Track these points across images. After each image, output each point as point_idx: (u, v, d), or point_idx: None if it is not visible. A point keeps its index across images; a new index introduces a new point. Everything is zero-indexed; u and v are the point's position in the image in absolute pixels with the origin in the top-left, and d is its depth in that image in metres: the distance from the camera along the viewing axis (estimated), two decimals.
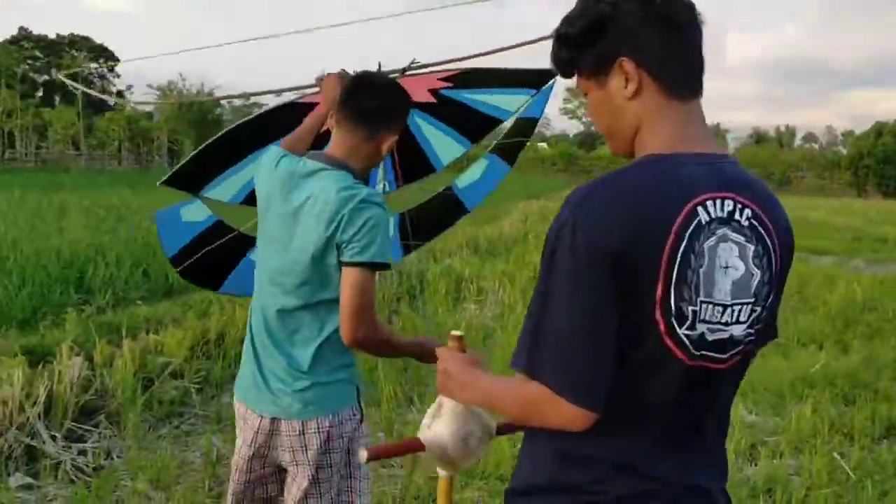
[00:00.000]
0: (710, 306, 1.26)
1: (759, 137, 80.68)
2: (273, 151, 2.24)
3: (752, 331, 1.32)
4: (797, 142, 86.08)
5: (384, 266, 2.05)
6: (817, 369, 5.88)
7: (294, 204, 2.09)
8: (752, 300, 1.30)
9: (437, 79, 3.03)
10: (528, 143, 3.70)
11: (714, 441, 1.39)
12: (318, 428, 2.09)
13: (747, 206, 1.29)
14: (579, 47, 1.36)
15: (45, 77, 47.37)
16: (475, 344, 6.46)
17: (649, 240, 1.22)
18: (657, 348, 1.25)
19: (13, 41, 45.94)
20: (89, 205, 14.70)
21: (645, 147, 1.33)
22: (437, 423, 1.66)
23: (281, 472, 2.20)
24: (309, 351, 2.10)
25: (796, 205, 27.55)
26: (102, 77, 56.12)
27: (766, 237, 1.31)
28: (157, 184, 3.17)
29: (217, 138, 3.04)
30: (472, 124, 3.12)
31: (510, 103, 3.12)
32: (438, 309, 7.76)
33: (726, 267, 1.27)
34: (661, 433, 1.31)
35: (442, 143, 3.14)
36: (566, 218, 1.23)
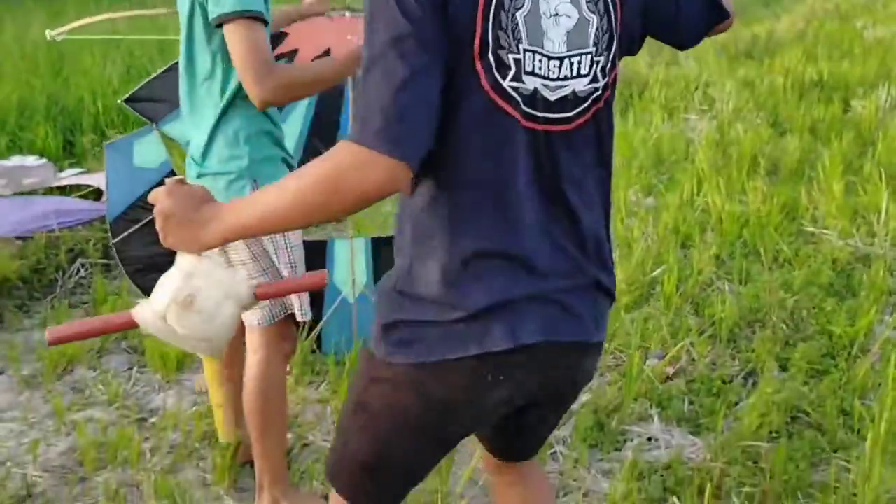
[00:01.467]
0: (541, 57, 1.17)
1: None
2: None
3: (596, 85, 1.24)
4: None
5: (256, 15, 1.85)
6: None
7: None
8: (593, 50, 1.22)
9: None
10: None
11: (585, 222, 1.26)
12: None
13: None
14: None
15: None
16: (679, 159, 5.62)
17: None
18: (486, 107, 1.15)
19: None
20: None
21: None
22: (155, 290, 1.27)
23: None
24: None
25: None
26: None
27: None
28: (119, 101, 2.90)
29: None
30: None
31: None
32: (653, 119, 6.83)
33: (556, 14, 1.17)
34: (515, 214, 1.19)
35: None
36: None
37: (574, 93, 1.21)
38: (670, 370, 3.03)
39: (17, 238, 4.03)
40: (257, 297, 1.33)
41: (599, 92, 1.25)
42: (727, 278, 3.83)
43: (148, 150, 2.92)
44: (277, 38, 2.82)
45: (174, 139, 2.85)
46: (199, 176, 2.08)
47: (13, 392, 3.09)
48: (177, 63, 2.39)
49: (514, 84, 1.16)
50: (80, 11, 13.53)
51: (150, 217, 2.89)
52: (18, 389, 3.10)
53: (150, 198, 1.26)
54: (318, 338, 3.17)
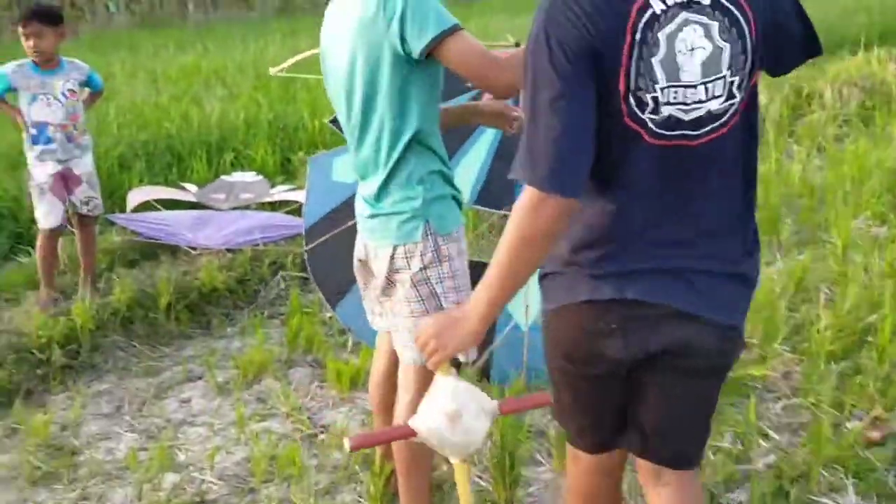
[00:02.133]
0: (677, 89, 1.36)
1: None
2: None
3: (732, 101, 1.40)
4: None
5: (459, 27, 1.92)
6: None
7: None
8: (727, 73, 1.38)
9: None
10: None
11: (717, 223, 1.47)
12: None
13: None
14: None
15: None
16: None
17: (610, 37, 1.33)
18: (625, 133, 1.39)
19: None
20: None
21: None
22: (423, 404, 1.59)
23: None
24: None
25: None
26: None
27: (733, 8, 1.36)
28: (325, 120, 3.03)
29: None
30: None
31: None
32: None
33: (692, 49, 1.35)
34: (652, 213, 1.44)
35: None
36: (536, 30, 1.37)
37: (709, 111, 1.40)
38: (875, 435, 2.64)
39: (228, 250, 4.37)
40: (502, 412, 1.62)
41: (735, 106, 1.42)
42: None
43: (346, 167, 3.04)
44: None
45: None
46: (373, 216, 2.12)
47: (207, 398, 3.33)
48: None
49: (652, 116, 1.38)
50: (312, 28, 14.63)
51: (342, 227, 3.08)
52: (212, 395, 3.34)
53: (417, 333, 1.60)
54: (487, 364, 3.12)
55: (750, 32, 1.39)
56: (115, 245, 4.54)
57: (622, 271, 1.47)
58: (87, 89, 4.05)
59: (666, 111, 1.37)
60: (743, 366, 3.08)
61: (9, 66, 3.87)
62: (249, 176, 5.39)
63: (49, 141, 3.86)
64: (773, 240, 4.40)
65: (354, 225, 2.98)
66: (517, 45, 2.66)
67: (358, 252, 2.25)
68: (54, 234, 3.99)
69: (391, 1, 1.90)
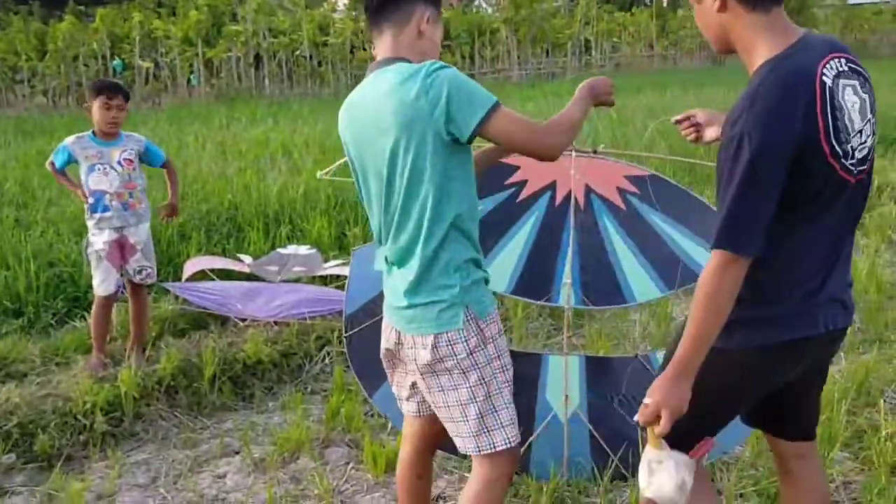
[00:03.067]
0: (855, 136, 1.78)
1: None
2: None
3: (874, 139, 1.87)
4: None
5: (499, 102, 1.98)
6: None
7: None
8: (870, 116, 1.83)
9: (624, 175, 3.09)
10: None
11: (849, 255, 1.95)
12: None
13: (839, 56, 1.79)
14: None
15: None
16: None
17: (809, 125, 1.71)
18: (840, 184, 1.78)
19: None
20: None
21: (754, 56, 1.80)
22: (657, 476, 1.86)
23: None
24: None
25: None
26: None
27: (860, 70, 1.83)
28: (333, 272, 3.19)
29: None
30: (669, 267, 3.07)
31: (697, 253, 3.04)
32: None
33: (853, 104, 1.78)
34: (828, 253, 1.86)
35: (638, 278, 3.08)
36: (740, 133, 1.69)
37: (868, 148, 1.83)
38: None
39: (275, 323, 4.38)
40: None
41: (873, 144, 1.87)
42: None
43: None
44: (509, 170, 3.01)
45: None
46: (410, 307, 2.09)
47: (242, 473, 3.29)
48: None
49: (850, 162, 1.78)
50: None
51: (381, 316, 3.12)
52: (247, 471, 3.30)
53: (646, 407, 1.85)
54: (525, 456, 3.02)
55: (871, 85, 1.87)
56: (167, 313, 4.61)
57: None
58: (162, 169, 4.28)
59: (854, 154, 1.79)
60: None
61: (69, 139, 4.05)
62: (303, 249, 5.45)
63: (106, 209, 3.98)
64: None
65: None
66: (574, 149, 2.76)
67: (387, 342, 2.23)
68: (109, 300, 4.08)
69: (435, 85, 1.91)
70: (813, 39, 1.80)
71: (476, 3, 40.64)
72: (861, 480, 2.93)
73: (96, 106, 3.97)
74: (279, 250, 5.48)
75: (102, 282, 4.04)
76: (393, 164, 2.02)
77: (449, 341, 2.05)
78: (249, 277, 5.17)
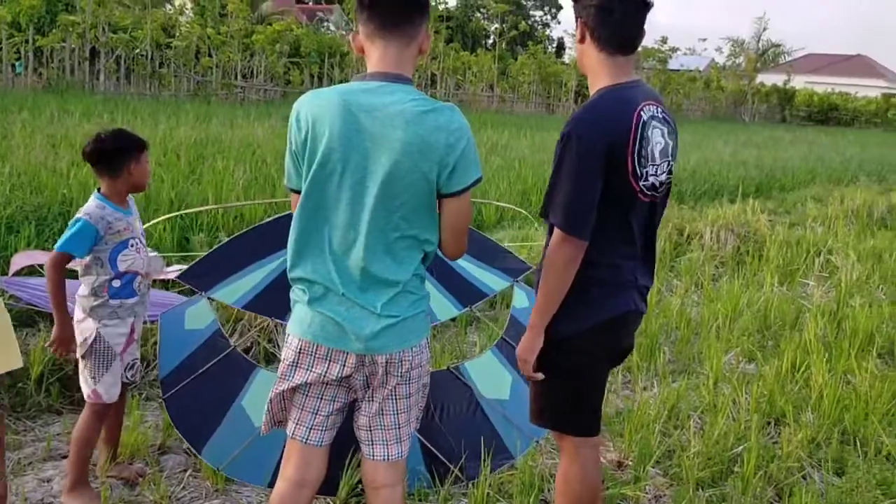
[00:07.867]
0: (653, 166, 2.28)
1: None
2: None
3: (670, 176, 2.39)
4: None
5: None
6: None
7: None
8: (670, 158, 2.36)
9: None
10: None
11: (651, 252, 2.45)
12: None
13: (657, 105, 2.33)
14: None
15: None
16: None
17: (621, 139, 2.21)
18: (633, 196, 2.27)
19: None
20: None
21: (596, 82, 2.33)
22: None
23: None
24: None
25: None
26: (545, 25, 58.57)
27: (669, 121, 2.37)
28: (174, 277, 3.41)
29: (236, 238, 3.44)
30: (470, 294, 3.65)
31: (496, 283, 3.75)
32: (766, 280, 6.57)
33: (658, 143, 2.29)
34: (637, 249, 2.36)
35: (440, 304, 3.51)
36: (570, 132, 2.20)
37: (660, 179, 2.32)
38: None
39: None
40: None
41: (669, 178, 2.39)
42: (818, 467, 3.51)
43: (198, 315, 3.37)
44: None
45: (223, 300, 3.42)
46: (391, 326, 2.10)
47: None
48: (229, 241, 3.16)
49: (645, 183, 2.27)
50: (225, 113, 14.80)
51: (200, 371, 3.21)
52: None
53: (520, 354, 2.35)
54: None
55: (674, 135, 2.40)
56: None
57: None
58: None
59: (650, 180, 2.27)
60: (617, 485, 3.18)
61: (92, 212, 2.87)
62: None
63: (132, 294, 2.97)
64: (651, 366, 4.61)
65: (213, 368, 3.24)
66: None
67: (327, 373, 2.14)
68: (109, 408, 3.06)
69: (459, 138, 2.03)
70: (644, 86, 2.33)
71: (325, 24, 40.62)
72: (671, 494, 3.24)
73: (141, 161, 2.98)
74: None
75: (113, 385, 2.98)
76: (388, 188, 2.02)
77: (427, 345, 2.23)
78: None
